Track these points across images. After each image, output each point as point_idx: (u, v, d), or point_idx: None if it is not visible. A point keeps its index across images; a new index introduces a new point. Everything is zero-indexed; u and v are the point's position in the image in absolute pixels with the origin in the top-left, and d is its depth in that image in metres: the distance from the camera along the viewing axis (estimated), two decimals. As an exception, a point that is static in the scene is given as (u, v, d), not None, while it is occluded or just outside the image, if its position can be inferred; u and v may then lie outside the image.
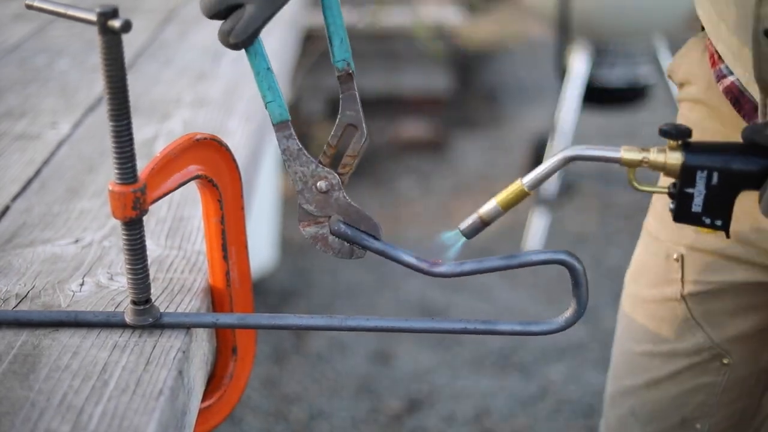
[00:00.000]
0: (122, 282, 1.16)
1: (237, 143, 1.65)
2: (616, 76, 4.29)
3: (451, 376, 3.35)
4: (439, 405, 3.21)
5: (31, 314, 1.05)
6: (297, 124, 3.96)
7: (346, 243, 1.09)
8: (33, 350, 1.00)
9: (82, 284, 1.16)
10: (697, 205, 1.09)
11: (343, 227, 1.08)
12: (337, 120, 1.06)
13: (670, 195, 1.11)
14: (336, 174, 1.07)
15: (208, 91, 1.96)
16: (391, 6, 5.63)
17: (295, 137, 1.06)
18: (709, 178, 1.07)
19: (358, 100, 1.06)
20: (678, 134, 1.08)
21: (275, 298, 3.85)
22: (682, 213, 1.10)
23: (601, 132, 5.50)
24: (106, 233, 1.30)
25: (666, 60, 4.36)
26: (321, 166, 1.07)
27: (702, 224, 1.11)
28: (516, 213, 4.44)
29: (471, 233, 1.11)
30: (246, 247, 1.16)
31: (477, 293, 3.86)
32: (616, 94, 4.34)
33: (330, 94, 5.23)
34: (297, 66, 4.28)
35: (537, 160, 4.61)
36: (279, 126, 1.05)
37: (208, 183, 1.08)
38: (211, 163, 1.07)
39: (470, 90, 6.05)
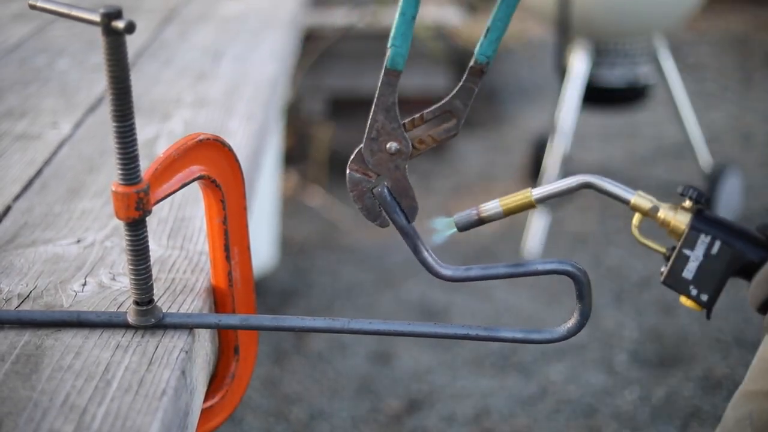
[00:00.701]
0: (124, 282, 1.16)
1: (238, 143, 1.65)
2: (616, 76, 4.29)
3: (451, 376, 3.35)
4: (439, 405, 3.21)
5: (33, 314, 1.05)
6: (297, 125, 3.93)
7: (378, 207, 1.08)
8: (36, 350, 1.00)
9: (84, 284, 1.16)
10: (689, 270, 1.08)
11: (385, 192, 1.07)
12: (445, 100, 1.06)
13: (666, 257, 1.10)
14: (410, 144, 1.07)
15: (209, 91, 1.96)
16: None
17: (396, 90, 1.04)
18: (710, 246, 1.07)
19: (474, 96, 1.05)
20: (696, 198, 1.08)
21: (275, 298, 3.85)
22: (672, 275, 1.09)
23: (600, 132, 5.50)
24: (108, 233, 1.31)
25: (666, 60, 4.36)
26: (402, 129, 1.06)
27: (687, 293, 1.09)
28: (516, 213, 4.44)
29: (464, 227, 1.10)
30: (248, 247, 1.16)
31: (477, 293, 3.86)
32: (616, 94, 4.33)
33: (330, 94, 5.23)
34: (297, 66, 4.28)
35: (537, 160, 4.61)
36: (390, 72, 1.03)
37: (211, 183, 1.08)
38: (214, 163, 1.07)
39: (470, 90, 6.02)
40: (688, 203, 1.09)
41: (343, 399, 3.25)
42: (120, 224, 1.32)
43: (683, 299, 1.11)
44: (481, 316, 3.71)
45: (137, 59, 2.20)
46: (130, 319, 1.04)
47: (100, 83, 1.98)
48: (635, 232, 1.11)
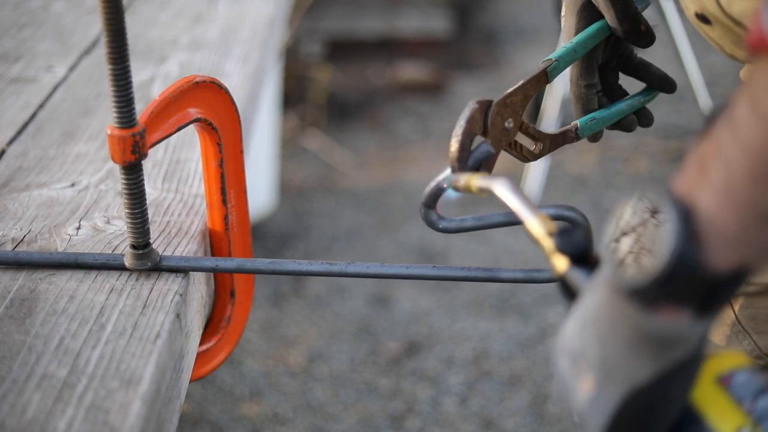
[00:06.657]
0: (119, 225, 1.16)
1: (234, 85, 1.64)
2: (616, 17, 4.24)
3: (449, 318, 3.36)
4: (437, 347, 3.22)
5: (31, 255, 1.05)
6: (295, 67, 3.89)
7: (467, 154, 1.05)
8: (30, 294, 0.99)
9: (78, 228, 1.15)
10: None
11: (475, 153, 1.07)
12: (546, 131, 1.15)
13: None
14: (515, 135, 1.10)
15: (205, 33, 1.95)
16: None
17: (541, 90, 1.18)
18: None
19: (556, 149, 1.15)
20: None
21: (274, 241, 3.85)
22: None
23: (600, 74, 5.47)
24: (103, 176, 1.30)
25: (667, 1, 4.32)
26: (522, 117, 1.11)
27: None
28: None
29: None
30: (245, 190, 1.16)
31: (476, 236, 3.85)
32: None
33: (327, 36, 5.20)
34: (294, 8, 4.25)
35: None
36: (542, 74, 1.19)
37: (207, 126, 1.07)
38: (210, 106, 1.06)
39: (469, 32, 6.00)
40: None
41: (342, 342, 3.26)
42: (115, 168, 1.31)
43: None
44: (480, 259, 3.72)
45: (133, 1, 2.18)
46: (127, 262, 1.03)
47: (95, 26, 1.97)
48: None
